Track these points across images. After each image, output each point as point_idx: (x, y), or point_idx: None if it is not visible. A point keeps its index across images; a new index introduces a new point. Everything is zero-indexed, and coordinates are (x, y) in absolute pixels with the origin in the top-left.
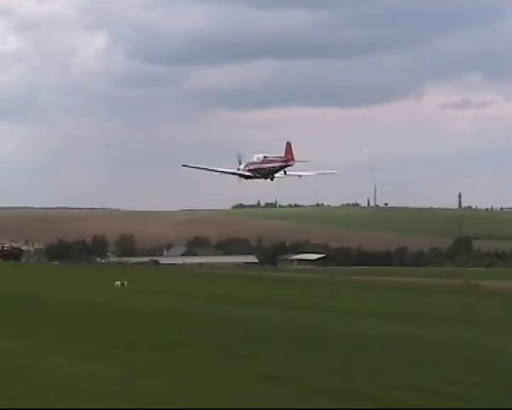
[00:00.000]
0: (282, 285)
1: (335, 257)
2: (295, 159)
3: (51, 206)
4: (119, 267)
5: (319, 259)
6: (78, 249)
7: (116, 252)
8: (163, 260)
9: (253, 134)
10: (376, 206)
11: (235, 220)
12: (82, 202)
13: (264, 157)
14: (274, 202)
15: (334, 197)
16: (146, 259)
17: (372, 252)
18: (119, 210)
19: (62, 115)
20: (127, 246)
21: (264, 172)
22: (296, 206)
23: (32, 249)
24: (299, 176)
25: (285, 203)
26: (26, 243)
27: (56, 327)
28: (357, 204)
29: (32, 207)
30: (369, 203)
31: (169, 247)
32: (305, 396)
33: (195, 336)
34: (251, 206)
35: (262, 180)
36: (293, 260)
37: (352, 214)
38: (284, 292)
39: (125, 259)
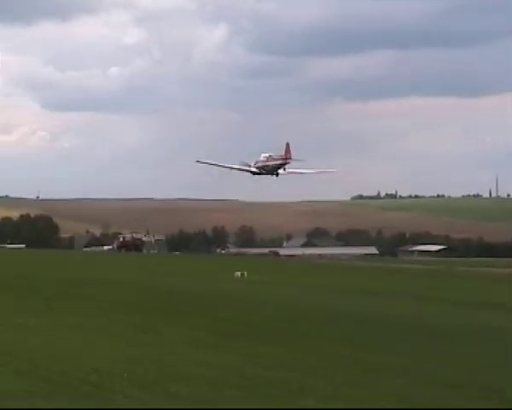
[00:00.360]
0: (402, 277)
1: (457, 248)
2: (292, 157)
3: (172, 197)
4: (239, 258)
5: (440, 250)
6: (199, 240)
7: (236, 243)
8: (282, 251)
9: (370, 125)
10: (498, 197)
11: (355, 211)
12: (202, 193)
13: (270, 156)
14: (394, 192)
15: (455, 188)
16: (265, 250)
17: (494, 243)
18: (238, 201)
19: (183, 107)
20: (247, 237)
21: (268, 168)
22: (417, 197)
23: (152, 240)
24: (301, 173)
25: (405, 194)
26: (147, 233)
27: (177, 317)
28: (478, 195)
29: (153, 199)
30: (490, 194)
31: (289, 238)
32: (430, 390)
33: (318, 327)
34: (371, 197)
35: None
36: (413, 251)
37: (473, 205)
38: (405, 284)
39: (244, 250)
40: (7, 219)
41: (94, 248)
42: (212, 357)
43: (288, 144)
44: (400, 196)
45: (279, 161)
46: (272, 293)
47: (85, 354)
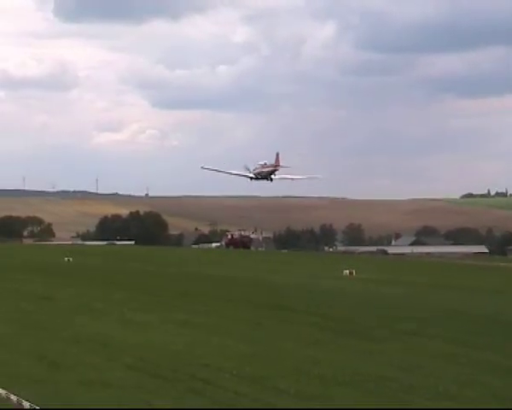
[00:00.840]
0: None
1: None
2: (281, 165)
3: (279, 194)
4: (347, 256)
5: None
6: (307, 238)
7: (344, 241)
8: (391, 250)
9: (481, 122)
10: None
11: (465, 210)
12: (309, 191)
13: (265, 163)
14: (504, 191)
15: None
16: (373, 248)
17: None
18: (346, 199)
19: (291, 104)
20: (355, 235)
21: (263, 174)
22: None
23: (260, 238)
24: (292, 179)
25: None
26: (255, 231)
27: (287, 314)
28: None
29: (260, 197)
30: None
31: (397, 236)
32: None
33: (429, 325)
34: (481, 195)
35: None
36: None
37: None
38: None
39: (352, 248)
40: (116, 217)
41: (202, 245)
42: (322, 354)
43: (277, 154)
44: (511, 195)
45: (270, 168)
46: (381, 292)
47: (195, 350)
